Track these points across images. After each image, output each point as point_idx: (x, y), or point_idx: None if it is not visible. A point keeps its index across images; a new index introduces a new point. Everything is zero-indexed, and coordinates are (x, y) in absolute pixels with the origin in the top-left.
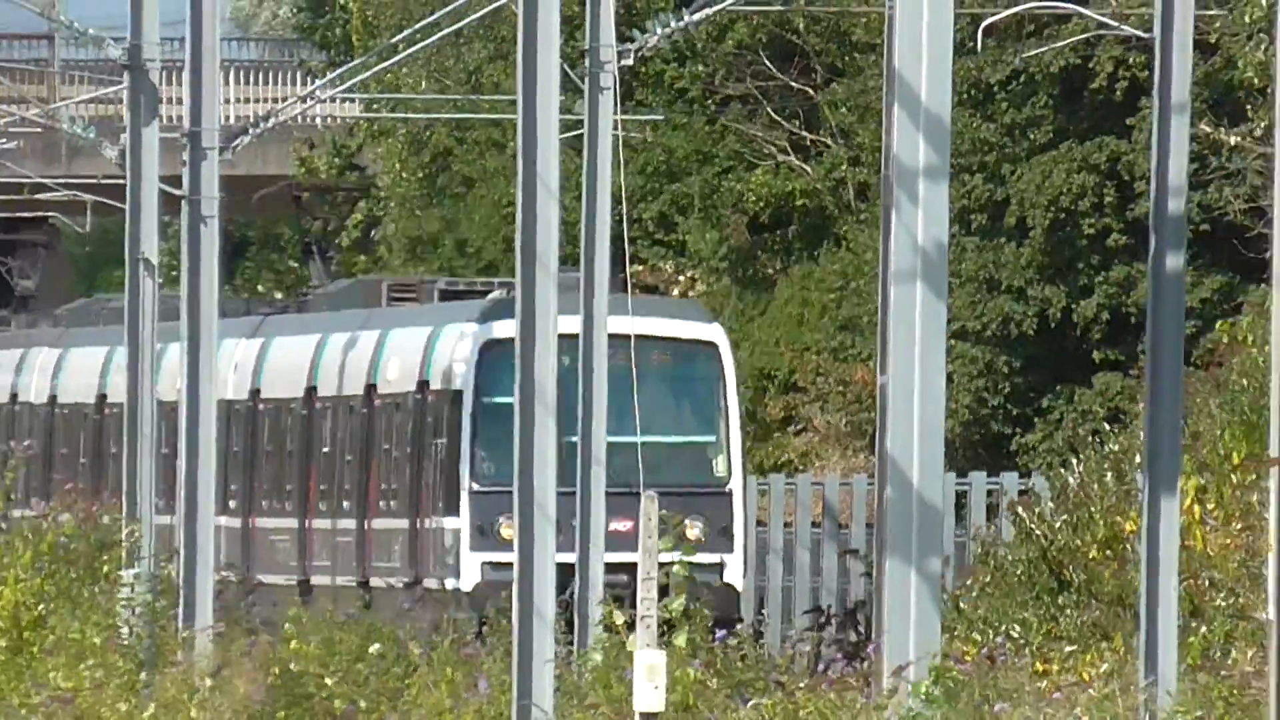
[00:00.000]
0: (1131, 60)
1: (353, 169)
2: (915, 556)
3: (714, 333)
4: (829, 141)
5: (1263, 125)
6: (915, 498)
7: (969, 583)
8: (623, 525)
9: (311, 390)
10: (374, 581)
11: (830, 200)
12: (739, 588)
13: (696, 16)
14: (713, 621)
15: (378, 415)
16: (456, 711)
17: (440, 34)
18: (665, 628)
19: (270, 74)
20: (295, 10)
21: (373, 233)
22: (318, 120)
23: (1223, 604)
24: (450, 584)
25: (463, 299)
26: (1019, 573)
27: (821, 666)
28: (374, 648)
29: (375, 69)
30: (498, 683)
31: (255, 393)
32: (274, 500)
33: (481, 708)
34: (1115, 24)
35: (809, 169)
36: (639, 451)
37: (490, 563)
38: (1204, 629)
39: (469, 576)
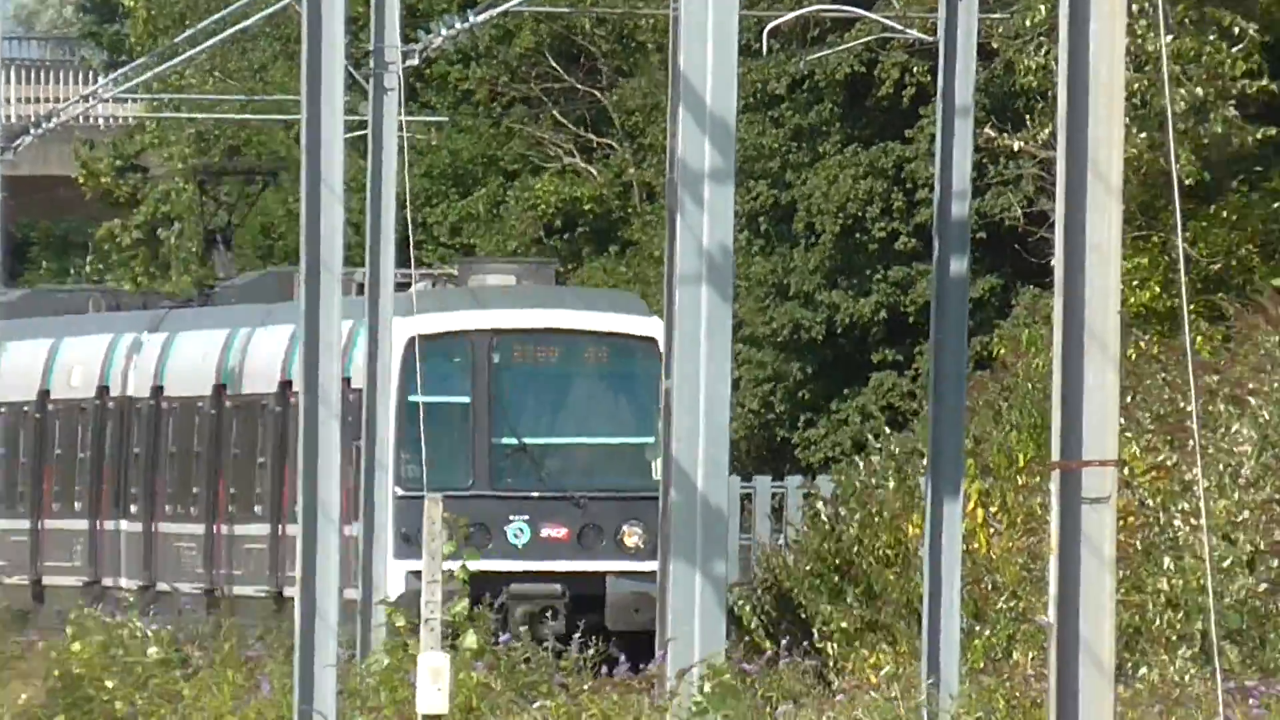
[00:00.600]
0: (915, 67)
1: (134, 169)
2: (700, 559)
3: (653, 327)
4: (615, 145)
5: (1044, 131)
6: (700, 501)
7: (754, 585)
8: (556, 532)
9: (220, 388)
10: (288, 592)
11: (617, 204)
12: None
13: (481, 18)
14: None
15: (291, 414)
16: (239, 714)
17: (225, 33)
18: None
19: (53, 73)
20: (80, 11)
21: (158, 231)
22: (100, 121)
23: (1004, 607)
24: (374, 595)
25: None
26: (804, 575)
27: (605, 669)
28: (152, 650)
29: (158, 68)
30: (280, 685)
31: (158, 390)
32: (179, 505)
33: (263, 710)
34: (900, 28)
35: (595, 172)
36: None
37: (416, 571)
38: (986, 632)
39: (394, 586)
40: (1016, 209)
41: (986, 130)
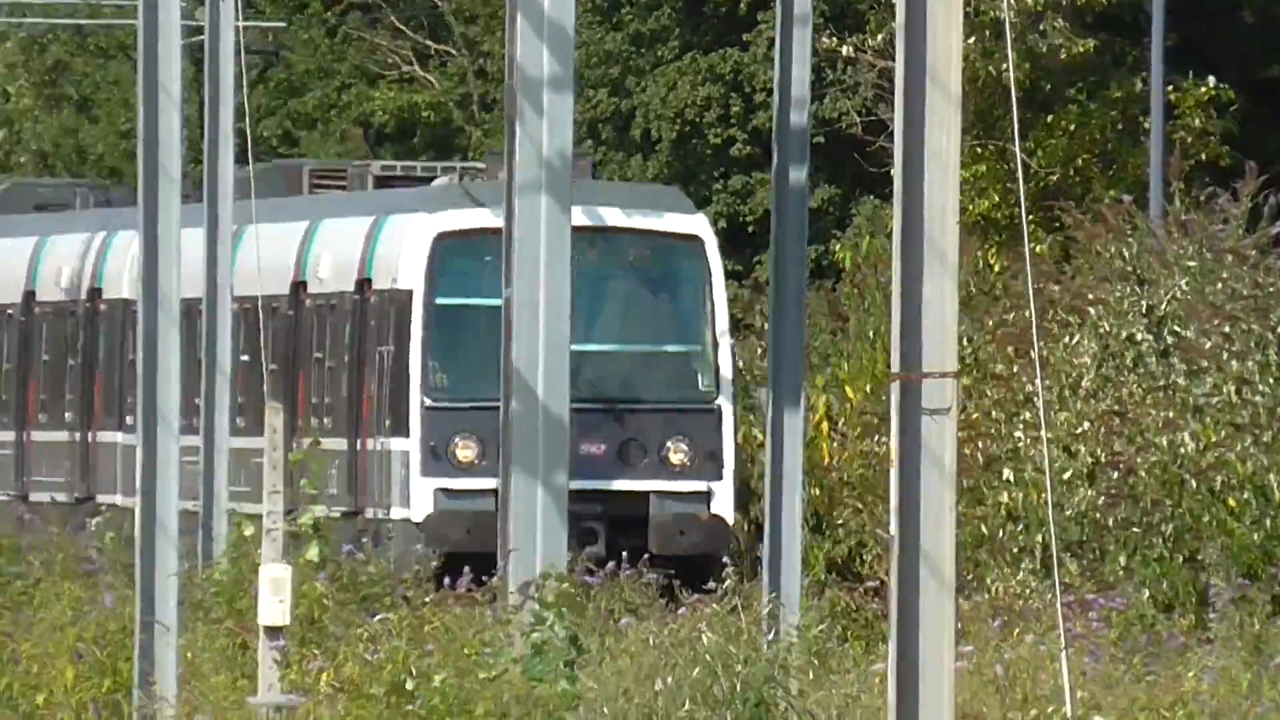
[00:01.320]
0: None
1: None
2: (542, 470)
3: (698, 225)
4: (454, 52)
5: (880, 37)
6: (541, 411)
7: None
8: (595, 448)
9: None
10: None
11: (457, 113)
12: (729, 519)
13: None
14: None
15: (306, 318)
16: (79, 625)
17: None
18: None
19: None
20: None
21: None
22: None
23: (849, 519)
24: (398, 514)
25: (404, 185)
26: None
27: (447, 581)
28: None
29: None
30: (121, 597)
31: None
32: (183, 417)
33: (104, 622)
34: None
35: (434, 80)
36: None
37: (445, 489)
38: (829, 544)
39: (420, 506)
40: (855, 116)
41: (824, 37)
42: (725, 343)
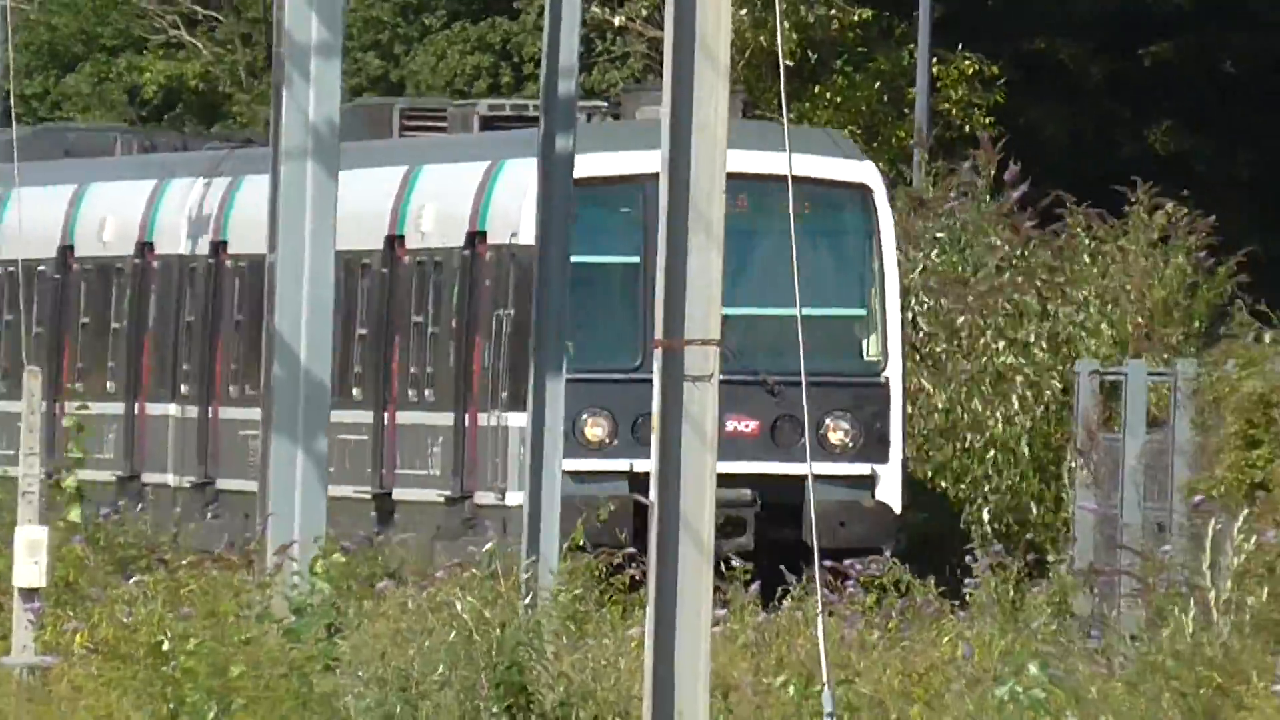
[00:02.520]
0: None
1: None
2: (302, 435)
3: (866, 172)
4: (221, 18)
5: (648, 6)
6: (303, 376)
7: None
8: (744, 426)
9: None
10: (398, 494)
11: (227, 78)
12: (896, 508)
13: None
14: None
15: (403, 276)
16: None
17: None
18: None
19: None
20: None
21: None
22: None
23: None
24: (514, 500)
25: (516, 126)
26: None
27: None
28: None
29: None
30: None
31: (218, 245)
32: (245, 386)
33: None
34: None
35: (201, 46)
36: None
37: (571, 472)
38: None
39: (513, 497)
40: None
41: (595, 7)
42: (895, 306)
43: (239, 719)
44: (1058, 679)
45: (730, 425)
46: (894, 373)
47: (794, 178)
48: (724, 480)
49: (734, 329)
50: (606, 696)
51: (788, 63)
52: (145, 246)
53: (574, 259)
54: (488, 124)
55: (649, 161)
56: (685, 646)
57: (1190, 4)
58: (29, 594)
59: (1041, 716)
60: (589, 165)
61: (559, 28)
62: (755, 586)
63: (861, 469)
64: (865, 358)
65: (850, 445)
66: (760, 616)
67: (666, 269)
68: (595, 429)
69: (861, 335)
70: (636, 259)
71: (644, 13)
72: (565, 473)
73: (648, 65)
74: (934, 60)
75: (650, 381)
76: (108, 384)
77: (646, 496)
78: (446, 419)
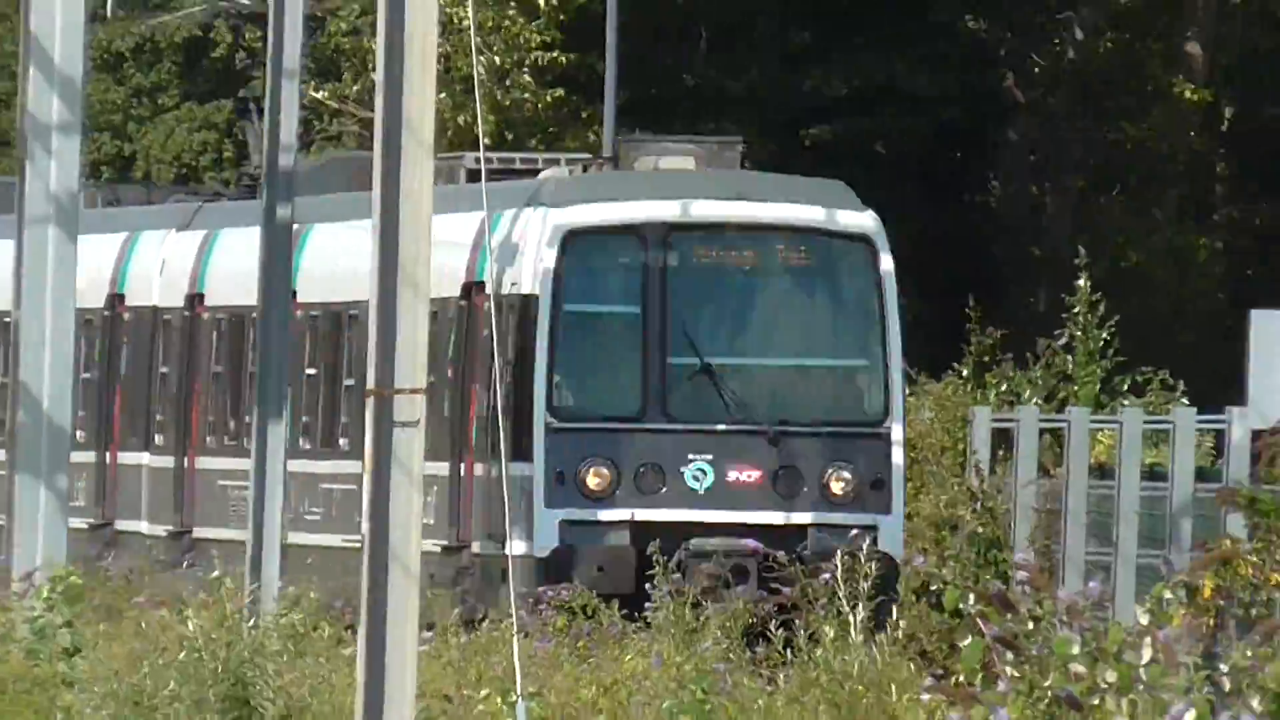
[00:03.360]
0: (248, 33)
1: None
2: (45, 473)
3: (867, 222)
4: None
5: (356, 88)
6: (45, 422)
7: None
8: (747, 475)
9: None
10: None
11: None
12: (898, 557)
13: None
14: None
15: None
16: None
17: None
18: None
19: None
20: None
21: None
22: None
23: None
24: (518, 549)
25: (506, 178)
26: None
27: None
28: None
29: None
30: None
31: (194, 299)
32: (221, 436)
33: None
34: None
35: None
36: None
37: (571, 521)
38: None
39: (545, 539)
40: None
41: (312, 91)
42: (898, 357)
43: None
44: (725, 692)
45: (731, 475)
46: (895, 423)
47: (796, 229)
48: (724, 530)
49: (736, 379)
50: (323, 709)
51: (486, 141)
52: (471, 288)
53: (573, 308)
54: (474, 176)
55: (651, 210)
56: (395, 663)
57: (848, 90)
58: None
59: None
60: (586, 214)
61: (279, 109)
62: (458, 611)
63: (864, 519)
64: (867, 409)
65: (852, 495)
66: (463, 638)
67: (377, 325)
68: (596, 479)
69: (863, 386)
70: (637, 309)
71: (353, 94)
72: (565, 522)
73: (360, 142)
74: (619, 139)
75: (653, 430)
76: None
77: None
78: (443, 469)
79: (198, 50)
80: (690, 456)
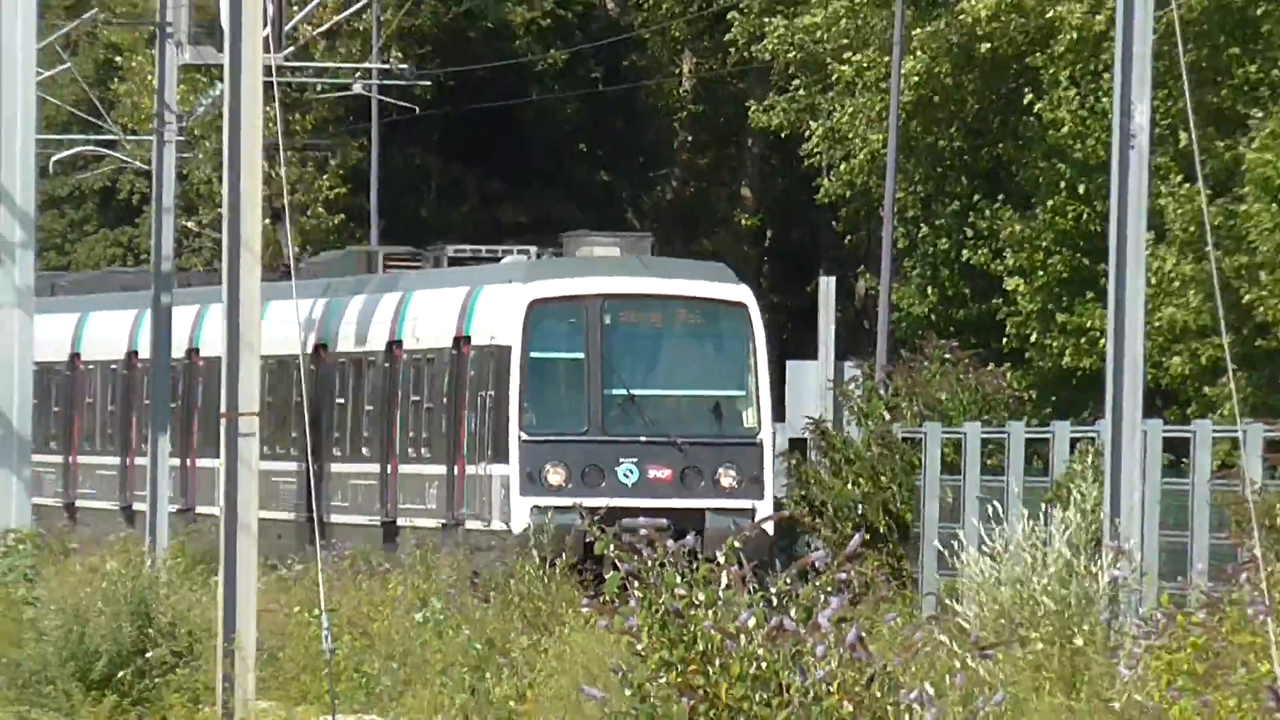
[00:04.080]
0: (139, 183)
1: None
2: (15, 467)
3: (743, 294)
4: None
5: (211, 216)
6: (15, 433)
7: None
8: (661, 473)
9: (321, 348)
10: (401, 522)
11: None
12: (770, 532)
13: None
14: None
15: (402, 370)
16: None
17: None
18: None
19: None
20: None
21: None
22: None
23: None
24: (498, 526)
25: (479, 263)
26: None
27: None
28: None
29: None
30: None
31: (191, 352)
32: (288, 448)
33: None
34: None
35: None
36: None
37: (538, 506)
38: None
39: (519, 520)
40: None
41: (182, 220)
42: (766, 389)
43: None
44: (455, 607)
45: (652, 474)
46: (765, 436)
47: (693, 298)
48: (646, 512)
49: (653, 405)
50: (198, 620)
51: (296, 249)
52: (460, 341)
53: (537, 355)
54: (454, 262)
55: (590, 285)
56: (243, 592)
57: (529, 220)
58: None
59: (443, 626)
60: (546, 289)
61: (161, 235)
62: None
63: (744, 504)
64: (745, 425)
65: (737, 486)
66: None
67: (227, 369)
68: (555, 475)
69: (742, 409)
70: (581, 355)
71: (209, 220)
72: (534, 507)
73: (214, 254)
74: None
75: (595, 442)
76: (423, 450)
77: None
78: (440, 470)
79: (109, 194)
80: (621, 460)
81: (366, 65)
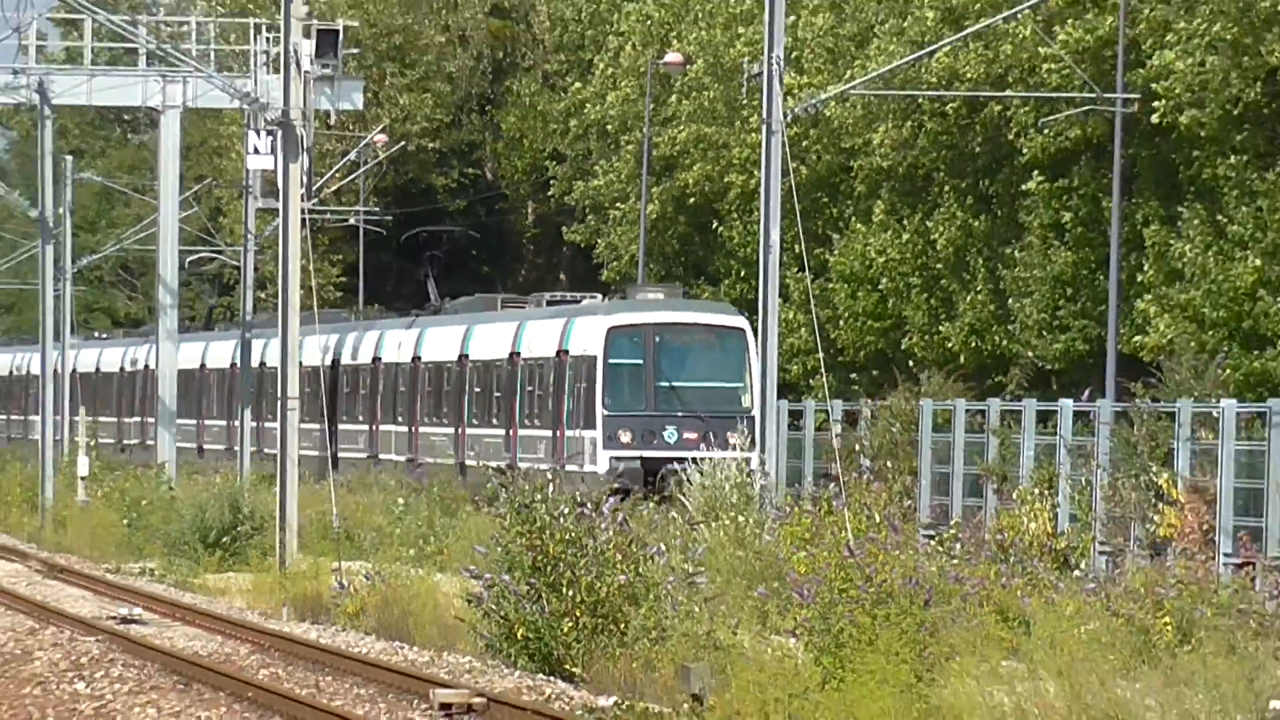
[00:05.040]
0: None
1: None
2: (168, 425)
3: (741, 322)
4: None
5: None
6: (170, 411)
7: None
8: (691, 435)
9: (464, 357)
10: (521, 465)
11: None
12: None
13: None
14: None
15: (519, 370)
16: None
17: None
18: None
19: None
20: None
21: None
22: None
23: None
24: (589, 469)
25: (570, 303)
26: None
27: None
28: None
29: None
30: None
31: (417, 359)
32: (436, 417)
33: None
34: None
35: None
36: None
37: (614, 457)
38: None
39: (602, 465)
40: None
41: (258, 293)
42: (756, 383)
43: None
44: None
45: (685, 435)
46: (756, 411)
47: (710, 325)
48: (682, 461)
49: (686, 393)
50: (265, 510)
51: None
52: (561, 352)
53: (613, 361)
54: (552, 302)
55: (644, 317)
56: (289, 495)
57: None
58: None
59: (404, 515)
60: (618, 319)
61: (246, 297)
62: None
63: (745, 455)
64: (743, 405)
65: (743, 445)
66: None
67: (281, 370)
68: (624, 436)
69: (741, 395)
70: (640, 361)
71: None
72: (612, 457)
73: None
74: None
75: (649, 415)
76: (535, 419)
77: (656, 472)
78: (546, 433)
79: (218, 278)
80: (666, 427)
81: (357, 208)
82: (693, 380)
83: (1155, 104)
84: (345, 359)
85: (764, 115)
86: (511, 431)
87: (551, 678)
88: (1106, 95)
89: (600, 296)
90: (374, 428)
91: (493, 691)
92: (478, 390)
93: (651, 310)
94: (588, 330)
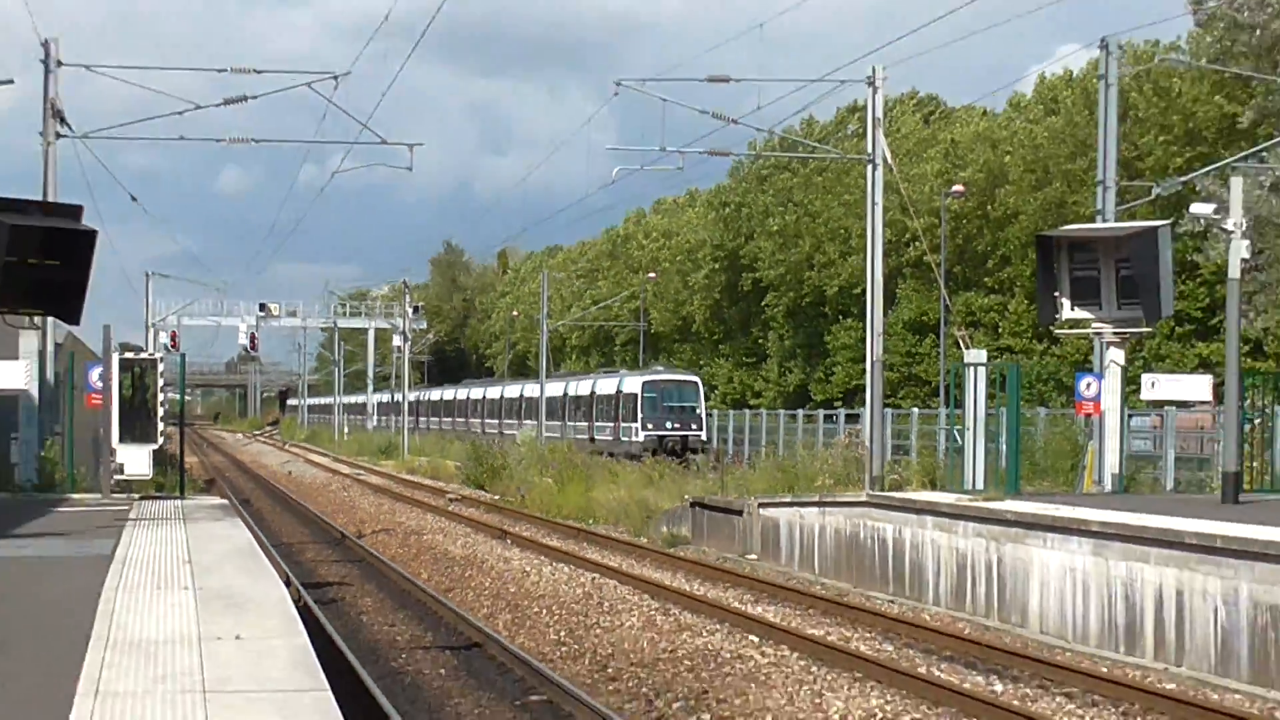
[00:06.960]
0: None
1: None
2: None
3: (696, 377)
4: None
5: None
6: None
7: None
8: (677, 424)
9: (565, 393)
10: (597, 438)
11: None
12: (713, 446)
13: None
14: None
15: (599, 400)
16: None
17: None
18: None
19: None
20: None
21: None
22: None
23: None
24: (636, 440)
25: (630, 372)
26: None
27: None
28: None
29: None
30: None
31: (592, 393)
32: (578, 419)
33: None
34: None
35: None
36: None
37: (650, 435)
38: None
39: (643, 440)
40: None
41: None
42: (703, 408)
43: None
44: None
45: (673, 425)
46: (703, 418)
47: (683, 380)
48: (678, 438)
49: (678, 409)
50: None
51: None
52: (619, 392)
53: (646, 395)
54: (605, 371)
55: (658, 376)
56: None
57: None
58: None
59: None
60: (647, 377)
61: (404, 379)
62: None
63: (699, 434)
64: (697, 414)
65: (695, 431)
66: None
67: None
68: (651, 424)
69: (700, 413)
70: (656, 396)
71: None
72: (647, 435)
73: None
74: None
75: (661, 415)
76: (603, 421)
77: (663, 442)
78: (610, 424)
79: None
80: (667, 422)
81: (423, 330)
82: (676, 403)
83: None
84: (570, 393)
85: None
86: (591, 425)
87: (479, 490)
88: None
89: (639, 368)
90: (563, 423)
91: (461, 493)
92: (601, 408)
93: (661, 374)
94: (632, 382)
